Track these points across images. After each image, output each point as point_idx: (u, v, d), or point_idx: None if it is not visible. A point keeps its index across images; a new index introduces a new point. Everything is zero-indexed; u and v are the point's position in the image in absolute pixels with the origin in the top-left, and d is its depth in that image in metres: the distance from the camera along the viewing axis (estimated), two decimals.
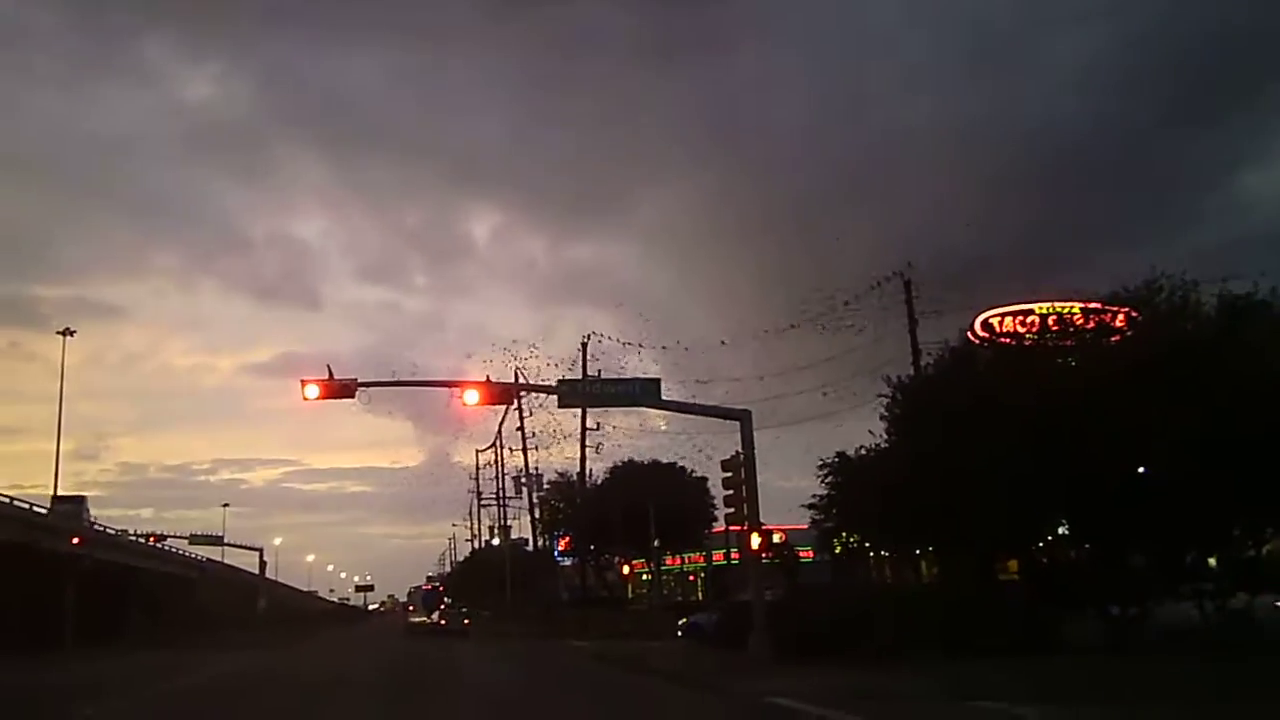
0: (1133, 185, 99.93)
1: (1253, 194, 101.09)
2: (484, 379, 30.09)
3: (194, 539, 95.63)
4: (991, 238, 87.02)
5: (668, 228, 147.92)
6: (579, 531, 57.62)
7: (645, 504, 44.92)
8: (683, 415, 33.96)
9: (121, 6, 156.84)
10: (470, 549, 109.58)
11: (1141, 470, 22.14)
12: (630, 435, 70.31)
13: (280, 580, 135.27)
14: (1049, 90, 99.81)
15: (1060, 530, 25.97)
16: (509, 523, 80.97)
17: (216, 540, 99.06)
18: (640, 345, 52.01)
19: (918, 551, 31.16)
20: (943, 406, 23.91)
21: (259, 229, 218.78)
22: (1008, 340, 28.25)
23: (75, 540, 62.42)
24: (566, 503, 60.33)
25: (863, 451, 28.01)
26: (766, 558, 31.70)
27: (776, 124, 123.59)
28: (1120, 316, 25.15)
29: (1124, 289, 24.45)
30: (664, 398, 29.55)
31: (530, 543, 74.86)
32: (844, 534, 31.91)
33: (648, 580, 63.41)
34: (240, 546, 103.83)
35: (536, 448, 63.32)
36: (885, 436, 27.23)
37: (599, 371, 42.80)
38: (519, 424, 63.90)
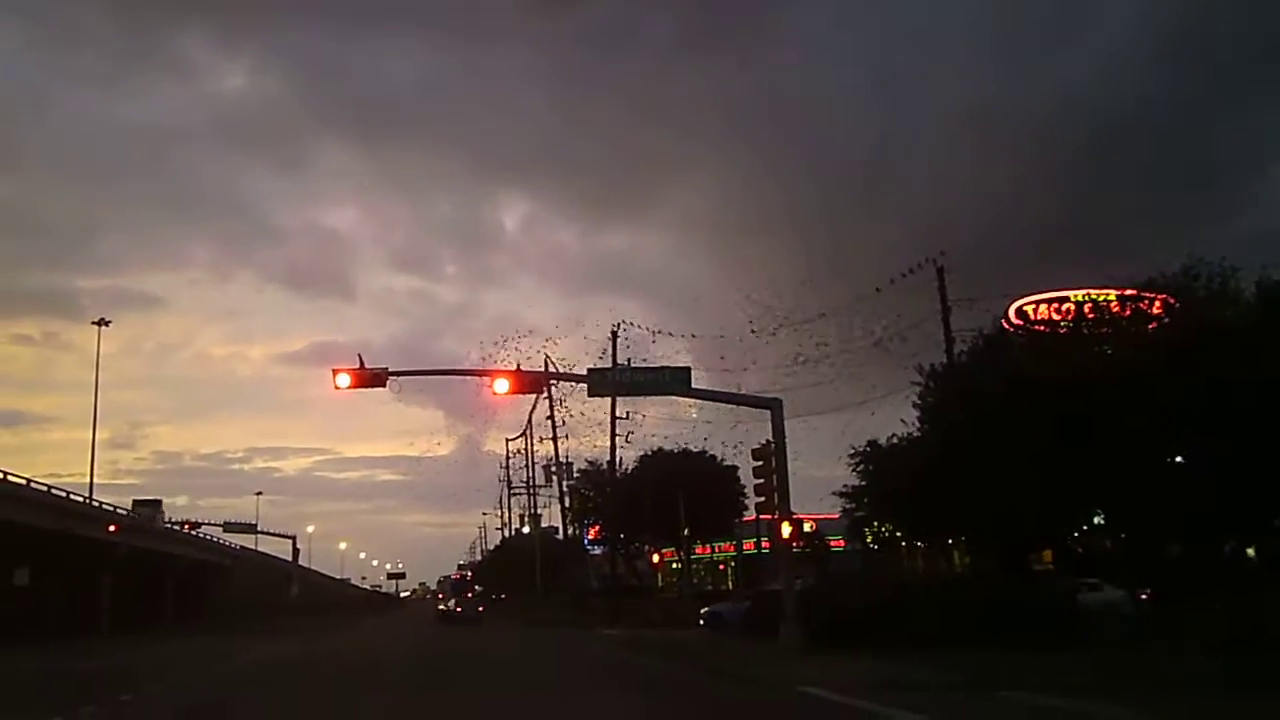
0: (1171, 171, 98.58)
1: None
2: (514, 368, 30.15)
3: (228, 526, 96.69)
4: (1025, 225, 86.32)
5: (699, 217, 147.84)
6: (609, 520, 57.66)
7: (675, 493, 44.86)
8: (714, 404, 33.91)
9: (158, 1, 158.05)
10: (501, 537, 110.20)
11: (1179, 459, 21.84)
12: (661, 424, 70.35)
13: (313, 567, 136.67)
14: (1084, 74, 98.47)
15: (1095, 520, 25.68)
16: (539, 511, 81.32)
17: (250, 528, 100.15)
18: (670, 334, 51.85)
19: (950, 541, 30.94)
20: (976, 394, 23.68)
21: (293, 220, 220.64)
22: (1042, 328, 27.90)
23: (111, 528, 63.16)
24: (596, 491, 60.38)
25: (895, 440, 27.82)
26: (797, 547, 31.63)
27: (808, 113, 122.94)
28: (1157, 303, 24.78)
29: (1161, 275, 24.10)
30: (694, 386, 29.48)
31: (560, 531, 75.09)
32: (875, 523, 31.76)
33: (678, 569, 63.41)
34: (273, 534, 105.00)
35: (566, 436, 63.44)
36: (918, 425, 27.04)
37: (629, 360, 42.73)
38: (549, 413, 64.07)
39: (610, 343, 46.03)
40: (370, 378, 28.04)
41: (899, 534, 31.78)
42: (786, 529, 27.08)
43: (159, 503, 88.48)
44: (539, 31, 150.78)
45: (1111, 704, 13.94)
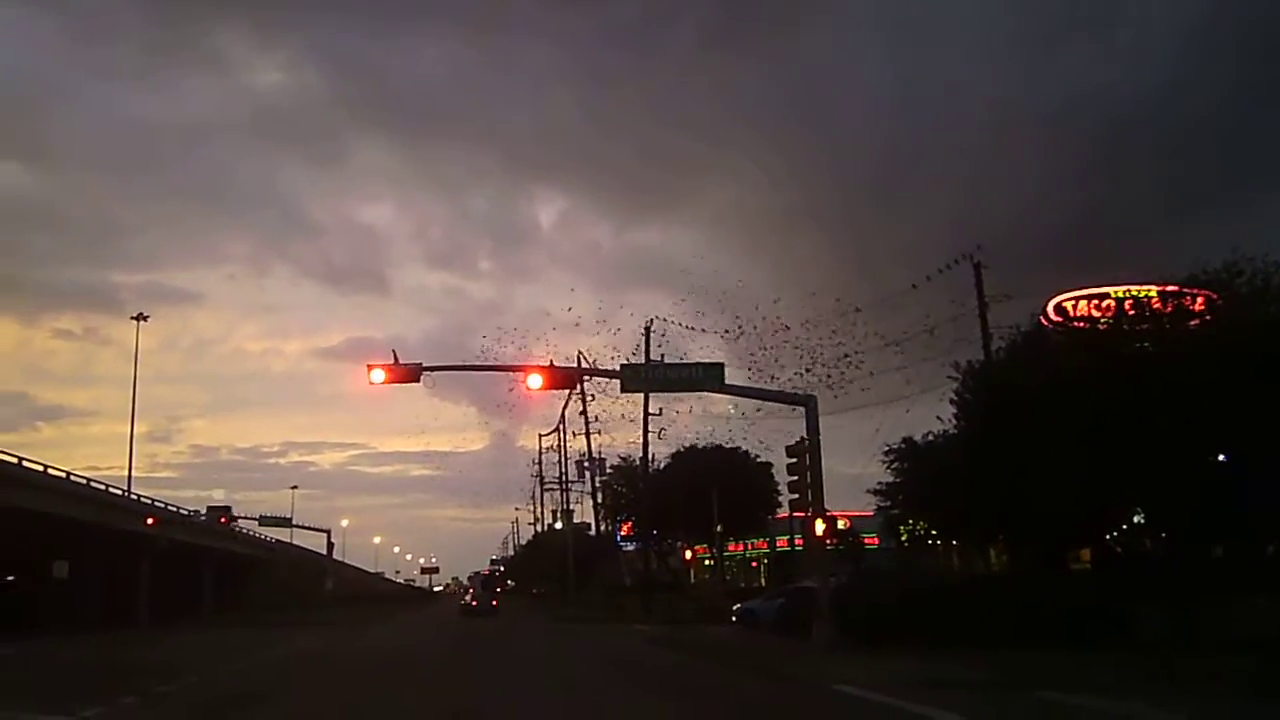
0: (1210, 165, 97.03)
1: None
2: (547, 364, 30.13)
3: (264, 520, 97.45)
4: (1061, 220, 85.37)
5: (731, 213, 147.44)
6: (641, 516, 57.61)
7: (708, 489, 44.76)
8: (748, 400, 33.77)
9: None
10: (534, 533, 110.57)
11: (1221, 458, 21.48)
12: (695, 420, 70.24)
13: (348, 561, 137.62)
14: (1124, 68, 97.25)
15: (1135, 519, 25.34)
16: (572, 507, 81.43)
17: (285, 522, 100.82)
18: (704, 330, 51.71)
19: (987, 539, 30.62)
20: (1014, 391, 23.40)
21: (329, 215, 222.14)
22: (1082, 324, 27.54)
23: (150, 521, 63.91)
24: (629, 487, 60.37)
25: (931, 437, 27.57)
26: (831, 544, 31.43)
27: (843, 107, 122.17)
28: (1199, 300, 24.43)
29: (1203, 271, 23.74)
30: (728, 383, 29.35)
31: (593, 527, 75.21)
32: (910, 521, 31.48)
33: (710, 566, 63.33)
34: (308, 528, 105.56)
35: (599, 432, 63.48)
36: (954, 422, 26.76)
37: (661, 356, 42.59)
38: (582, 409, 64.12)
39: (643, 338, 45.93)
40: (404, 373, 28.13)
41: (934, 532, 31.46)
42: (820, 526, 26.92)
43: (228, 508, 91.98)
44: (571, 28, 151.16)
45: (1151, 706, 13.72)
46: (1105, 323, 27.07)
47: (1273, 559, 22.87)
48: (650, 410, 50.24)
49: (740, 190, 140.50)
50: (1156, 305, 25.72)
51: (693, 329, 45.27)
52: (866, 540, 46.73)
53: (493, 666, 24.34)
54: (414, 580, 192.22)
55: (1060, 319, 28.43)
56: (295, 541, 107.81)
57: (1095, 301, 28.53)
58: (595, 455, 66.78)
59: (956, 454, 25.12)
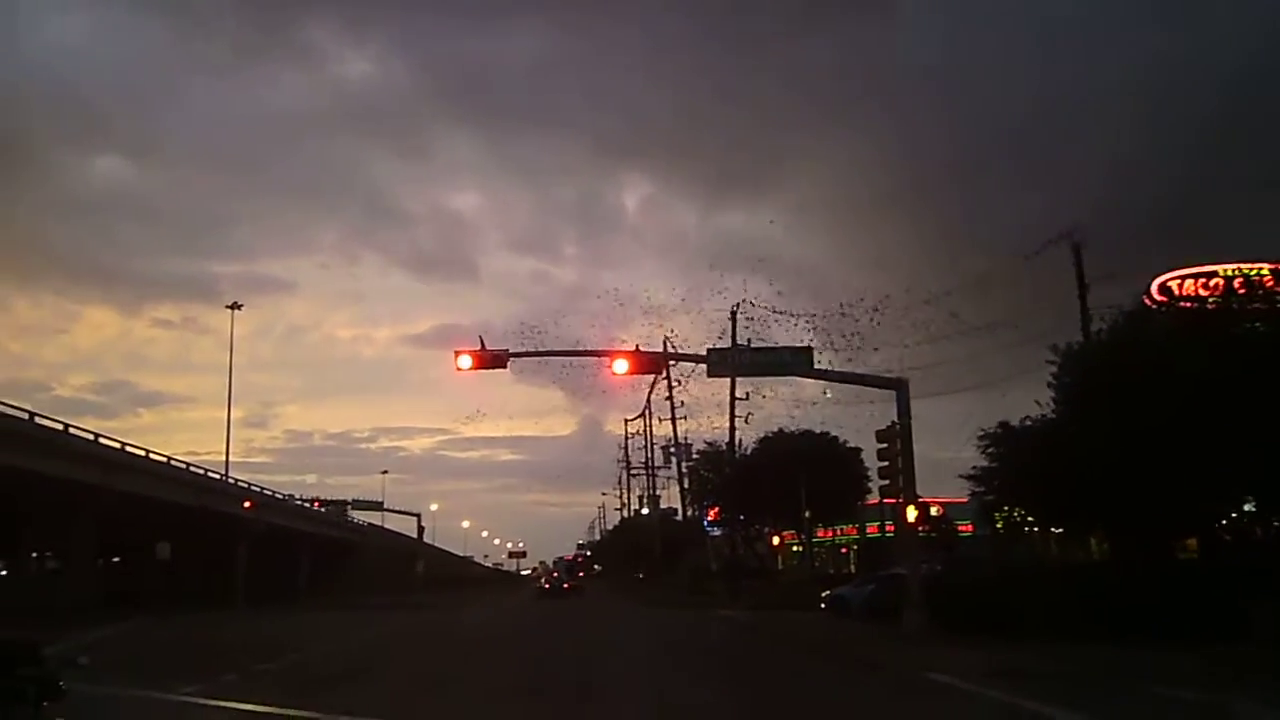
0: None
1: None
2: (633, 348, 30.00)
3: (356, 504, 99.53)
4: (1168, 197, 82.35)
5: (821, 194, 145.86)
6: (728, 502, 57.29)
7: (796, 474, 44.24)
8: (838, 385, 33.23)
9: None
10: (620, 518, 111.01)
11: None
12: (782, 405, 69.67)
13: (437, 545, 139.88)
14: (1228, 36, 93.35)
15: (1245, 507, 24.28)
16: (658, 492, 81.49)
17: (376, 505, 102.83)
18: (792, 313, 50.99)
19: (1087, 527, 29.65)
20: (1117, 374, 22.53)
21: (416, 204, 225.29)
22: (1189, 304, 26.49)
23: (246, 504, 65.57)
24: (715, 472, 60.08)
25: (1028, 421, 26.73)
26: (923, 531, 30.81)
27: (934, 86, 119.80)
28: None
29: None
30: (816, 367, 28.90)
31: (679, 512, 75.09)
32: (1006, 507, 30.62)
33: (798, 552, 62.77)
34: (399, 512, 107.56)
35: (685, 417, 63.37)
36: (1052, 406, 25.90)
37: (748, 340, 42.16)
38: (668, 393, 63.98)
39: (730, 322, 45.50)
40: (491, 359, 28.27)
41: (1031, 519, 30.56)
42: (912, 513, 26.42)
43: (347, 503, 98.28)
44: (657, 14, 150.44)
45: (1260, 703, 13.07)
46: (1213, 302, 26.00)
47: None
48: (737, 395, 49.91)
49: (831, 170, 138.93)
50: (1268, 283, 24.60)
51: (780, 313, 44.68)
52: (960, 527, 45.84)
53: (574, 650, 24.35)
54: (501, 564, 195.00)
55: (1165, 299, 27.39)
56: (386, 525, 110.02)
57: (1203, 280, 27.45)
58: (681, 440, 66.68)
59: (1056, 439, 24.30)
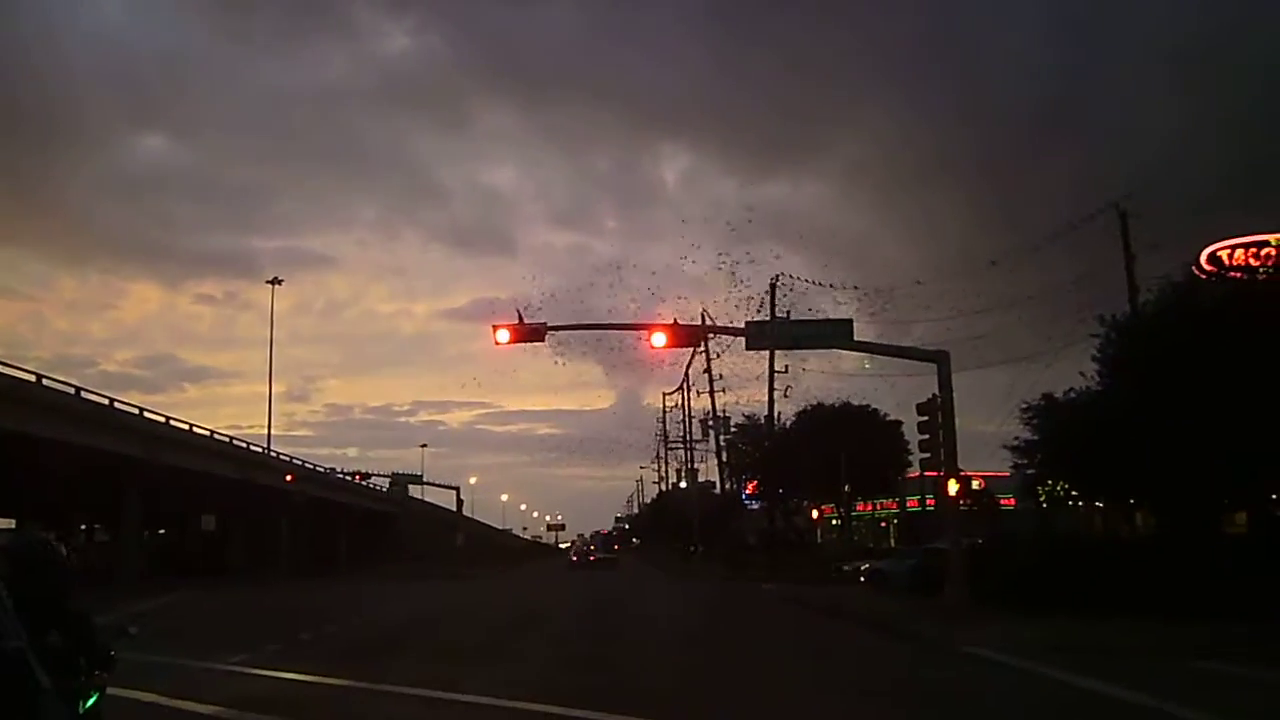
0: None
1: None
2: (671, 321, 29.87)
3: (396, 478, 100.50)
4: (1218, 164, 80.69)
5: (863, 165, 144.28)
6: (766, 475, 57.14)
7: (835, 448, 44.00)
8: (878, 358, 32.97)
9: None
10: (658, 491, 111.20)
11: None
12: (822, 378, 69.36)
13: (476, 518, 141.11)
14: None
15: None
16: (696, 466, 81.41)
17: (416, 479, 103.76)
18: (832, 285, 50.64)
19: (1132, 501, 29.29)
20: (1165, 346, 22.14)
21: (455, 179, 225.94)
22: (1239, 274, 25.94)
23: (289, 477, 66.32)
24: (754, 446, 59.93)
25: (1072, 395, 26.38)
26: (964, 505, 30.55)
27: (977, 55, 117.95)
28: None
29: None
30: (856, 339, 28.63)
31: (718, 486, 75.04)
32: (1049, 481, 30.31)
33: (837, 525, 62.58)
34: (438, 485, 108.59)
35: (724, 390, 63.09)
36: (1098, 379, 25.53)
37: (788, 313, 41.93)
38: (706, 366, 63.79)
39: (769, 295, 45.23)
40: (529, 333, 28.20)
41: (1075, 492, 30.24)
42: (953, 486, 26.12)
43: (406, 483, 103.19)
44: None
45: None
46: (1265, 272, 25.47)
47: None
48: (776, 368, 49.65)
49: (873, 141, 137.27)
50: None
51: (821, 284, 44.43)
52: (1002, 501, 45.48)
53: (612, 624, 24.45)
54: (540, 537, 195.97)
55: (1214, 269, 26.81)
56: (426, 498, 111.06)
57: (1253, 250, 26.84)
58: (720, 413, 66.49)
59: (1101, 411, 23.96)
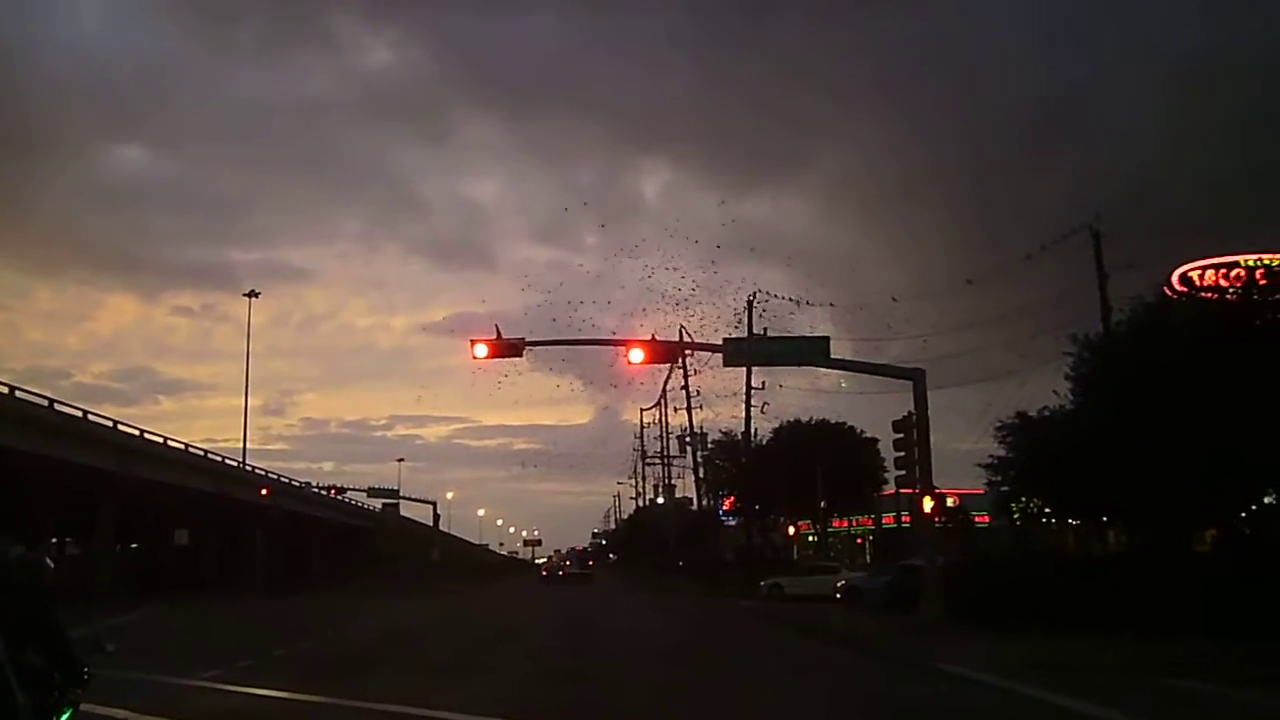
0: None
1: None
2: (649, 337, 29.96)
3: (372, 492, 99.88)
4: (1192, 187, 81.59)
5: (843, 183, 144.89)
6: (743, 491, 57.28)
7: (812, 464, 44.17)
8: (857, 375, 33.15)
9: None
10: (635, 507, 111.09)
11: None
12: (800, 395, 69.57)
13: (453, 533, 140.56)
14: (1240, 16, 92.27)
15: (1265, 499, 24.13)
16: (673, 481, 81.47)
17: (392, 493, 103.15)
18: (810, 303, 50.88)
19: (1104, 518, 29.53)
20: (1137, 365, 22.38)
21: (436, 192, 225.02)
22: (1210, 295, 26.28)
23: (264, 491, 65.87)
24: (731, 462, 60.06)
25: (1046, 412, 26.61)
26: (939, 522, 30.72)
27: (957, 75, 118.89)
28: None
29: None
30: (833, 356, 28.77)
31: (695, 502, 75.11)
32: (1023, 499, 30.52)
33: (813, 542, 62.71)
34: (415, 500, 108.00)
35: (701, 406, 63.23)
36: (1071, 397, 25.78)
37: (765, 330, 42.10)
38: (683, 382, 63.89)
39: (747, 311, 45.41)
40: (507, 348, 28.26)
41: (1048, 510, 30.45)
42: (928, 503, 26.32)
43: (398, 503, 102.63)
44: None
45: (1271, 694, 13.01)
46: (1234, 293, 25.79)
47: None
48: (753, 384, 49.81)
49: (854, 159, 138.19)
50: None
51: (798, 302, 44.69)
52: (976, 518, 45.72)
53: (588, 641, 24.41)
54: (517, 552, 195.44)
55: (1186, 289, 27.18)
56: (402, 513, 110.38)
57: (1224, 271, 27.23)
58: (697, 429, 66.59)
59: (1074, 429, 24.18)
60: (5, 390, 40.19)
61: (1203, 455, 20.06)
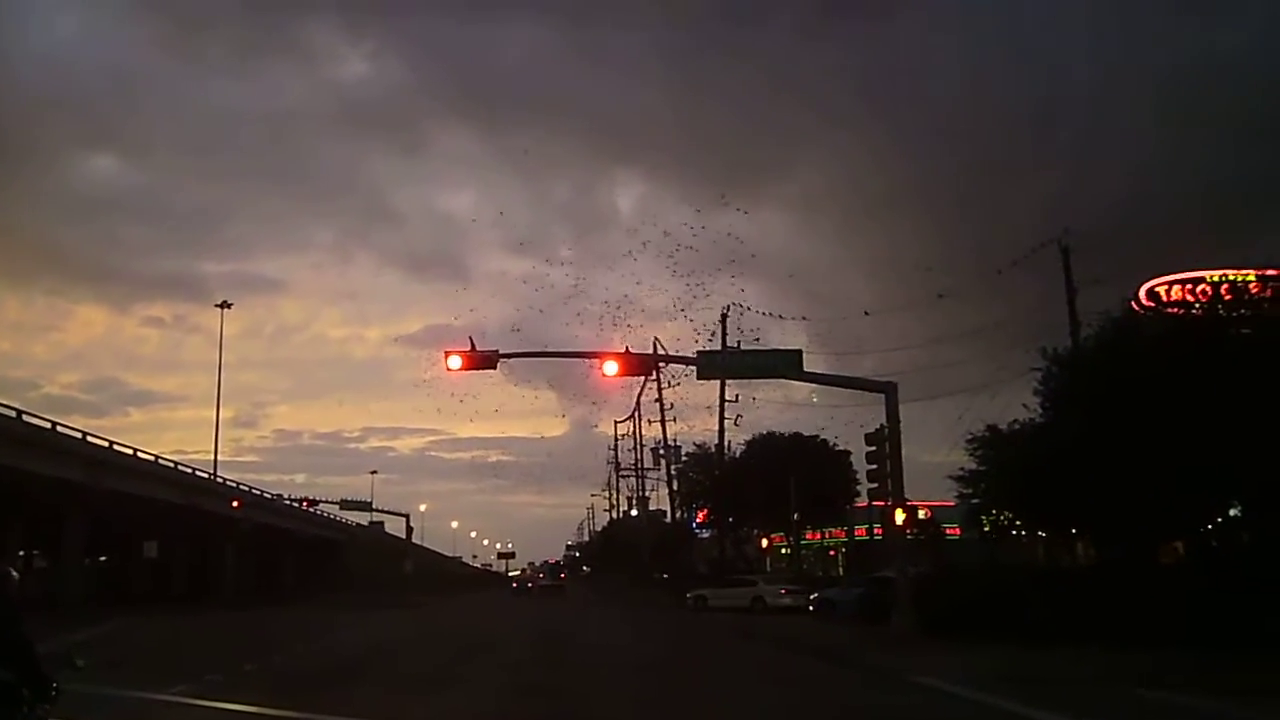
0: None
1: None
2: (623, 350, 30.03)
3: (344, 504, 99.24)
4: (1160, 203, 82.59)
5: (819, 198, 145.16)
6: (717, 504, 57.36)
7: (785, 477, 44.32)
8: (830, 388, 33.32)
9: None
10: (609, 519, 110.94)
11: None
12: (774, 408, 69.88)
13: (426, 545, 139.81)
14: (1221, 39, 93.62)
15: (1231, 513, 24.42)
16: (647, 494, 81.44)
17: (365, 506, 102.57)
18: (783, 316, 51.11)
19: (1074, 531, 29.79)
20: (1104, 380, 22.65)
21: (410, 203, 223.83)
22: (1176, 310, 26.63)
23: (235, 503, 65.37)
24: (705, 475, 60.14)
25: (1016, 426, 26.85)
26: (911, 534, 30.90)
27: (933, 91, 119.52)
28: None
29: None
30: (806, 370, 28.94)
31: (669, 514, 75.09)
32: (994, 511, 30.75)
33: (787, 554, 62.83)
34: (388, 512, 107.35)
35: (675, 419, 63.38)
36: (1040, 411, 26.03)
37: (738, 343, 42.33)
38: (657, 395, 63.99)
39: (721, 324, 45.59)
40: (481, 360, 28.26)
41: (1019, 522, 30.69)
42: (900, 515, 26.51)
43: (382, 523, 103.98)
44: (658, 8, 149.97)
45: (1249, 707, 13.17)
46: (1200, 308, 26.12)
47: None
48: (727, 397, 49.99)
49: (829, 173, 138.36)
50: (1255, 290, 24.75)
51: (772, 315, 44.91)
52: (948, 530, 45.90)
53: (561, 653, 24.38)
54: (490, 565, 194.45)
55: (1153, 304, 27.53)
56: (375, 526, 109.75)
57: (1189, 286, 27.59)
58: (671, 442, 66.68)
59: (1043, 443, 24.42)
60: None
61: (1170, 469, 20.31)
